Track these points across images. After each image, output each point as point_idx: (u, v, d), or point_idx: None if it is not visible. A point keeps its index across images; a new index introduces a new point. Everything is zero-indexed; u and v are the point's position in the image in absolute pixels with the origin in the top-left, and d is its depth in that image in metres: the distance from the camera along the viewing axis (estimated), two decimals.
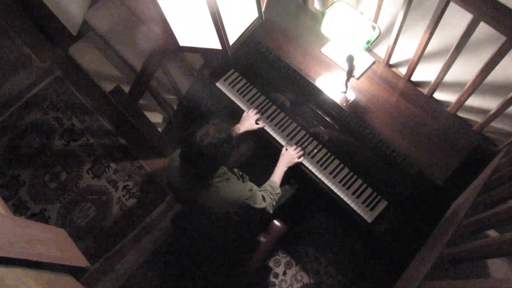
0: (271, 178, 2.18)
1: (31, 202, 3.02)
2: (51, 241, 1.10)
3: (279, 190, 2.13)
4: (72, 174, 3.10)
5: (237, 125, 2.30)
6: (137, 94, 2.44)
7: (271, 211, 2.01)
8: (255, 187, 1.94)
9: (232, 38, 1.35)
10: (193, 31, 1.35)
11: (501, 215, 1.32)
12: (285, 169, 2.22)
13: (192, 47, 1.41)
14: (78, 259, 1.17)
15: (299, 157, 2.26)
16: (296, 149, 2.27)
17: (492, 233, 1.57)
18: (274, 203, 2.05)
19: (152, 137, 2.85)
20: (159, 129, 2.88)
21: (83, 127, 3.24)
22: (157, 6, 1.27)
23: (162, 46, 2.25)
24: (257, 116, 2.35)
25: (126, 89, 2.48)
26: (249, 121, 2.32)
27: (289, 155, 2.24)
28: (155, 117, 2.94)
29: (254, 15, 1.42)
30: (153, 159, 3.13)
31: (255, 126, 2.33)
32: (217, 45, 1.33)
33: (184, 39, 1.39)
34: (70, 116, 3.28)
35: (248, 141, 2.62)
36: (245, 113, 2.37)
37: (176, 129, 3.00)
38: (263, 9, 1.57)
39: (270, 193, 2.06)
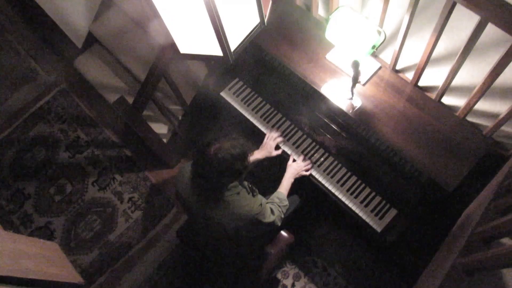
0: (278, 190, 2.15)
1: (36, 215, 3.00)
2: (40, 256, 1.06)
3: (286, 202, 2.09)
4: (77, 186, 3.08)
5: (256, 151, 2.25)
6: (141, 104, 2.43)
7: (279, 224, 1.97)
8: (264, 201, 1.91)
9: (233, 44, 1.33)
10: (194, 38, 1.33)
11: None
12: (292, 180, 2.18)
13: (193, 54, 1.39)
14: (70, 275, 1.13)
15: (307, 170, 2.22)
16: (303, 160, 2.24)
17: (507, 241, 1.51)
18: (282, 215, 2.01)
19: (157, 148, 2.83)
20: (164, 140, 2.87)
21: (89, 139, 3.24)
22: (156, 13, 1.26)
23: (165, 56, 2.24)
24: (278, 140, 2.28)
25: (131, 100, 2.48)
26: (267, 149, 2.26)
27: (297, 167, 2.21)
28: (160, 128, 2.92)
29: (256, 20, 1.40)
30: (158, 170, 3.11)
31: (274, 153, 2.26)
32: (219, 52, 1.31)
33: (185, 47, 1.37)
34: (76, 128, 3.28)
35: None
36: (265, 139, 2.30)
37: (181, 139, 2.98)
38: (266, 16, 1.56)
39: (278, 205, 2.02)
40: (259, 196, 1.93)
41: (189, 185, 1.79)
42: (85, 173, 3.12)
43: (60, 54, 3.49)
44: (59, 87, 3.43)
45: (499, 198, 1.59)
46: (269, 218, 1.87)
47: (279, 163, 2.30)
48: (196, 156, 1.67)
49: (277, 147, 2.30)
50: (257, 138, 2.36)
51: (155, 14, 1.28)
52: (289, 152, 2.30)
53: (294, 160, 2.25)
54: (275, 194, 2.11)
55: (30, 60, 3.57)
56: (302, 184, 2.26)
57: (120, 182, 3.07)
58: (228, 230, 1.82)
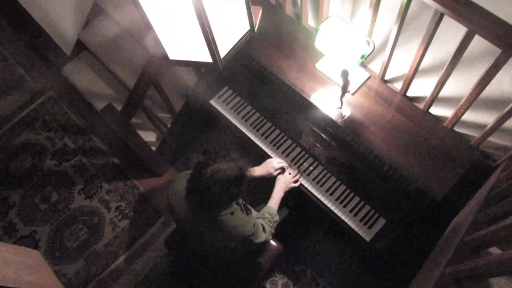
0: (269, 204, 2.11)
1: (21, 224, 2.94)
2: (21, 264, 1.03)
3: (277, 217, 2.07)
4: (63, 195, 3.03)
5: (256, 168, 2.20)
6: (129, 112, 2.41)
7: (270, 239, 1.94)
8: (257, 221, 1.87)
9: (223, 51, 1.33)
10: (183, 44, 1.32)
11: (502, 232, 1.28)
12: (282, 194, 2.15)
13: (183, 61, 1.38)
14: (52, 284, 1.09)
15: (296, 181, 2.20)
16: (292, 172, 2.22)
17: (494, 250, 1.52)
18: (273, 231, 1.99)
19: (146, 156, 2.80)
20: (153, 148, 2.84)
21: (76, 147, 3.20)
22: (146, 20, 1.25)
23: (154, 63, 2.23)
24: (282, 165, 2.22)
25: (120, 107, 2.46)
26: (268, 169, 2.19)
27: (286, 180, 2.18)
28: (149, 136, 2.90)
29: (246, 27, 1.40)
30: (146, 178, 3.08)
31: (275, 173, 2.20)
32: (208, 58, 1.31)
33: (174, 53, 1.37)
34: (63, 136, 3.24)
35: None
36: (269, 159, 2.25)
37: (170, 148, 2.96)
38: (256, 24, 1.56)
39: (269, 220, 1.99)
40: (253, 214, 1.89)
41: (183, 199, 1.73)
42: (71, 182, 3.07)
43: (48, 61, 3.46)
44: (46, 94, 3.39)
45: (487, 208, 1.60)
46: (261, 237, 1.85)
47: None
48: (192, 175, 1.61)
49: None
50: (249, 150, 2.35)
51: (145, 21, 1.27)
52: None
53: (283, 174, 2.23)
54: (265, 209, 2.08)
55: (17, 66, 3.53)
56: (291, 193, 2.25)
57: (107, 191, 3.03)
58: (219, 246, 1.79)
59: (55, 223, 2.94)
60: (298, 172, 2.23)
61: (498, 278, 1.40)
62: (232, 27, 1.36)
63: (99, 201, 3.01)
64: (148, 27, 1.28)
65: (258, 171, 2.19)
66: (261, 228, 1.88)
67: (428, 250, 1.96)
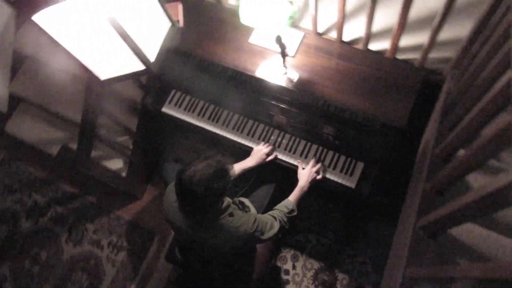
0: (289, 198, 2.06)
1: None
2: None
3: (296, 212, 2.02)
4: (52, 250, 2.95)
5: (248, 159, 2.19)
6: (85, 147, 2.35)
7: (280, 235, 1.90)
8: (259, 217, 1.83)
9: (152, 54, 1.31)
10: (109, 61, 1.30)
11: (462, 134, 1.33)
12: (305, 189, 2.10)
13: (116, 77, 1.36)
14: None
15: (317, 171, 2.17)
16: (311, 164, 2.18)
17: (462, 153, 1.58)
18: (287, 226, 1.94)
19: (119, 184, 2.75)
20: (124, 174, 2.79)
21: (47, 199, 3.10)
22: (65, 50, 1.22)
23: (93, 91, 2.18)
24: (269, 148, 2.22)
25: (75, 146, 2.39)
26: (260, 157, 2.19)
27: (307, 171, 2.14)
28: (116, 164, 2.84)
29: (167, 24, 1.39)
30: (128, 205, 3.03)
31: (268, 159, 2.21)
32: (140, 66, 1.29)
33: (105, 72, 1.34)
34: (30, 193, 3.13)
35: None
36: (256, 147, 2.24)
37: (139, 167, 2.91)
38: (179, 20, 1.55)
39: (285, 214, 1.95)
40: (252, 210, 1.86)
41: (177, 210, 1.71)
42: (55, 235, 2.99)
43: None
44: None
45: (446, 116, 1.67)
46: (268, 232, 1.82)
47: (241, 156, 2.30)
48: (174, 185, 1.59)
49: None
50: (217, 142, 2.34)
51: (65, 53, 1.24)
52: (247, 144, 2.30)
53: (303, 168, 2.19)
54: (283, 202, 2.03)
55: None
56: (271, 170, 2.27)
57: (93, 231, 2.97)
58: (225, 250, 1.77)
59: (53, 280, 2.87)
60: (315, 162, 2.19)
61: (474, 175, 1.47)
62: (152, 28, 1.34)
63: (89, 243, 2.95)
64: (69, 57, 1.25)
65: (250, 162, 2.18)
66: (266, 222, 1.83)
67: (409, 176, 2.03)
